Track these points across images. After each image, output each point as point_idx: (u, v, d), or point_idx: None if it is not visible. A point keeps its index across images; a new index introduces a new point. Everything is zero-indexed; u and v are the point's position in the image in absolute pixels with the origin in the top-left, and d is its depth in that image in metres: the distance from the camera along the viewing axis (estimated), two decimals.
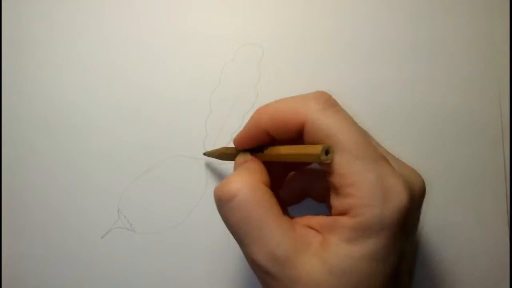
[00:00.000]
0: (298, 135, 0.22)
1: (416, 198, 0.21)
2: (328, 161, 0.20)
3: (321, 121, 0.20)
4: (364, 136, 0.21)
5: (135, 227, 0.30)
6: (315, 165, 0.27)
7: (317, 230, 0.21)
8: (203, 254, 0.30)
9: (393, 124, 0.32)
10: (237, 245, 0.30)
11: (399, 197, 0.19)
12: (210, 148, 0.31)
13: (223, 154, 0.28)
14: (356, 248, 0.19)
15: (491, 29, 0.32)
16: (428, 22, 0.32)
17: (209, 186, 0.31)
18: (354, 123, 0.21)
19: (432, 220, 0.31)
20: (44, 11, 0.32)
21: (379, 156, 0.20)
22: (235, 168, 0.25)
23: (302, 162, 0.21)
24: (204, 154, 0.30)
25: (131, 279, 0.30)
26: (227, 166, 0.31)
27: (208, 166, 0.31)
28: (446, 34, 0.32)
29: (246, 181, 0.22)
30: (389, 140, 0.31)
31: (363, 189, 0.19)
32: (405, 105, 0.32)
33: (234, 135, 0.31)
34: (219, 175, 0.31)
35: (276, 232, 0.20)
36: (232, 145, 0.31)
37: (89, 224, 0.30)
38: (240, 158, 0.25)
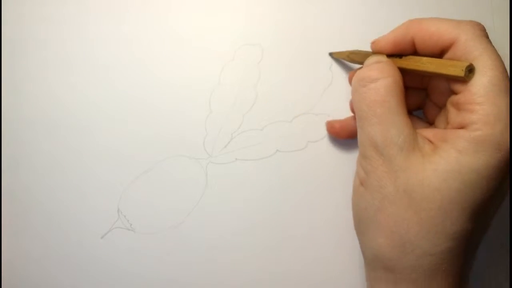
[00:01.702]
0: (441, 53, 0.23)
1: None
2: (468, 79, 0.21)
3: (474, 42, 0.22)
4: (505, 69, 0.21)
5: (135, 227, 0.30)
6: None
7: (430, 141, 0.22)
8: (203, 254, 0.30)
9: None
10: (236, 245, 0.30)
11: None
12: (210, 148, 0.31)
13: (354, 55, 0.28)
14: (466, 159, 0.20)
15: (491, 29, 0.32)
16: None
17: (209, 186, 0.31)
18: (500, 56, 0.22)
19: None
20: (44, 11, 0.32)
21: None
22: (367, 65, 0.26)
23: (440, 74, 0.23)
24: (330, 54, 0.31)
25: (131, 279, 0.30)
26: (227, 166, 0.31)
27: (209, 166, 0.31)
28: None
29: (388, 71, 0.23)
30: None
31: (490, 109, 0.20)
32: None
33: (234, 135, 0.31)
34: (219, 175, 0.31)
35: (403, 123, 0.22)
36: (232, 145, 0.31)
37: (89, 224, 0.30)
38: (374, 57, 0.26)
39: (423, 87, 0.27)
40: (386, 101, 0.22)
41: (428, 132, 0.23)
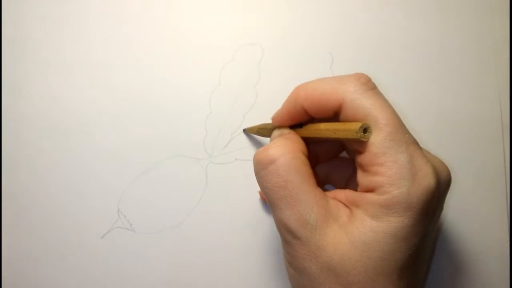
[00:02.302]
0: (335, 114, 0.23)
1: (442, 185, 0.22)
2: (365, 139, 0.21)
3: (360, 101, 0.21)
4: (400, 120, 0.21)
5: (135, 227, 0.30)
6: (343, 154, 0.28)
7: (344, 204, 0.22)
8: (203, 254, 0.30)
9: None
10: (236, 244, 0.30)
11: (427, 180, 0.20)
12: (210, 148, 0.31)
13: (263, 130, 0.28)
14: (380, 224, 0.20)
15: (491, 29, 0.32)
16: (427, 22, 0.32)
17: (209, 186, 0.31)
18: (391, 107, 0.21)
19: None
20: (44, 11, 0.32)
21: (412, 140, 0.21)
22: (271, 139, 0.26)
23: (339, 139, 0.22)
24: (244, 130, 0.30)
25: (131, 279, 0.30)
26: (227, 166, 0.31)
27: (209, 166, 0.31)
28: (446, 34, 0.32)
29: (287, 148, 0.22)
30: None
31: (393, 169, 0.20)
32: (404, 105, 0.32)
33: (234, 135, 0.31)
34: (219, 175, 0.31)
35: (311, 199, 0.21)
36: (232, 145, 0.31)
37: (89, 224, 0.30)
38: (277, 131, 0.26)
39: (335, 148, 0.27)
40: (288, 181, 0.21)
41: (342, 195, 0.23)
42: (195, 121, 0.31)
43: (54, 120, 0.31)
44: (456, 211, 0.31)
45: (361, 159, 0.21)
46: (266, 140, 0.31)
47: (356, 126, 0.20)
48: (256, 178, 0.23)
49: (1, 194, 0.30)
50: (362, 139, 0.20)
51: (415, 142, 0.21)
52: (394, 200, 0.20)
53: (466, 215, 0.31)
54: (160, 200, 0.31)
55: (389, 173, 0.20)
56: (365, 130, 0.20)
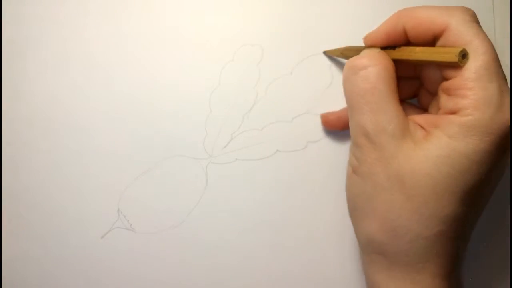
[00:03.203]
0: (433, 39, 0.23)
1: None
2: (462, 64, 0.21)
3: (464, 28, 0.22)
4: (497, 54, 0.22)
5: (135, 227, 0.30)
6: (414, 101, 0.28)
7: (421, 126, 0.22)
8: (203, 254, 0.30)
9: None
10: (236, 245, 0.30)
11: (507, 116, 0.20)
12: (210, 148, 0.31)
13: (348, 51, 0.28)
14: (457, 144, 0.20)
15: (491, 29, 0.32)
16: None
17: (209, 186, 0.31)
18: (491, 41, 0.22)
19: None
20: (44, 11, 0.32)
21: (504, 76, 0.21)
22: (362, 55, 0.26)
23: (434, 62, 0.23)
24: (325, 52, 0.31)
25: (131, 279, 0.30)
26: (227, 166, 0.31)
27: (209, 166, 0.31)
28: None
29: (379, 59, 0.23)
30: None
31: (481, 94, 0.20)
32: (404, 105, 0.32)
33: (234, 135, 0.31)
34: (219, 175, 0.31)
35: (393, 111, 0.22)
36: (232, 145, 0.31)
37: (89, 224, 0.30)
38: (367, 50, 0.26)
39: (416, 77, 0.27)
40: (376, 88, 0.22)
41: (420, 118, 0.23)
42: (195, 121, 0.31)
43: (54, 120, 0.31)
44: None
45: (449, 84, 0.22)
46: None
47: (456, 49, 0.21)
48: (344, 83, 0.24)
49: (1, 194, 0.30)
50: (460, 63, 0.21)
51: (506, 78, 0.21)
52: (476, 123, 0.20)
53: None
54: (160, 200, 0.31)
55: (476, 97, 0.20)
56: (464, 55, 0.21)
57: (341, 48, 0.30)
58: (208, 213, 0.30)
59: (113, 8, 0.32)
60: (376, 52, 0.25)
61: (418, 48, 0.24)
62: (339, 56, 0.30)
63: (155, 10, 0.32)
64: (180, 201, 0.31)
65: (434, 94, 0.26)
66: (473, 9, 0.31)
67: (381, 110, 0.22)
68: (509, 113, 0.21)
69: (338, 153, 0.31)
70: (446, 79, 0.22)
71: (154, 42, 0.32)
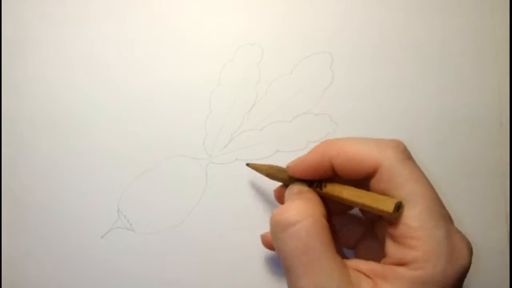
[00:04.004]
0: (365, 177, 0.22)
1: (469, 267, 0.21)
2: (396, 216, 0.20)
3: (398, 170, 0.20)
4: (436, 193, 0.21)
5: (135, 227, 0.30)
6: (355, 211, 0.27)
7: (367, 276, 0.21)
8: (203, 254, 0.30)
9: (393, 124, 0.32)
10: (236, 244, 0.30)
11: (463, 259, 0.19)
12: (210, 148, 0.31)
13: (272, 175, 0.26)
14: None
15: (491, 29, 0.32)
16: (427, 22, 0.32)
17: (209, 186, 0.31)
18: (427, 179, 0.21)
19: None
20: (44, 11, 0.32)
21: (448, 215, 0.20)
22: (288, 196, 0.25)
23: (366, 207, 0.21)
24: (248, 165, 0.28)
25: (131, 279, 0.30)
26: (227, 166, 0.31)
27: (209, 166, 0.31)
28: (446, 34, 0.32)
29: (308, 211, 0.21)
30: None
31: (430, 244, 0.19)
32: (404, 105, 0.32)
33: (234, 135, 0.31)
34: (219, 175, 0.31)
35: (331, 268, 0.20)
36: (232, 145, 0.31)
37: (89, 224, 0.30)
38: (295, 188, 0.24)
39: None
40: (310, 246, 0.20)
41: (366, 266, 0.21)
42: (195, 121, 0.31)
43: (54, 120, 0.31)
44: (456, 211, 0.31)
45: (394, 230, 0.20)
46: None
47: (389, 205, 0.20)
48: (273, 240, 0.22)
49: (1, 194, 0.30)
50: (394, 215, 0.20)
51: (451, 218, 0.20)
52: (429, 278, 0.19)
53: (466, 215, 0.31)
54: (160, 200, 0.31)
55: (425, 248, 0.19)
56: (398, 207, 0.20)
57: (265, 166, 0.27)
58: (208, 213, 0.30)
59: (113, 8, 0.32)
60: (304, 201, 0.22)
61: (346, 193, 0.22)
62: (262, 174, 0.27)
63: (155, 10, 0.32)
64: (180, 201, 0.31)
65: (379, 235, 0.24)
66: (473, 9, 0.31)
67: (318, 271, 0.20)
68: (463, 258, 0.19)
69: None
70: (389, 224, 0.21)
71: (155, 42, 0.32)
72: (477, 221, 0.31)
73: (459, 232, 0.20)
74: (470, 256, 0.20)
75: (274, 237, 0.22)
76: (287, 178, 0.25)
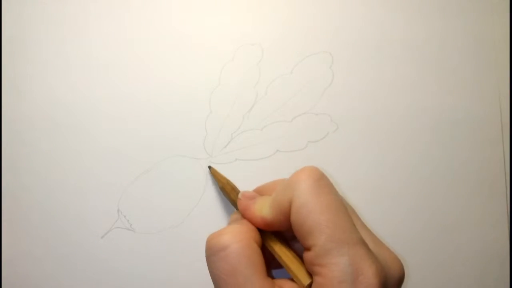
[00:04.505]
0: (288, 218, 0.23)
1: (390, 284, 0.21)
2: None
3: (307, 200, 0.21)
4: (346, 220, 0.21)
5: (135, 227, 0.30)
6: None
7: None
8: (203, 254, 0.30)
9: (392, 124, 0.32)
10: None
11: (369, 282, 0.20)
12: (210, 148, 0.31)
13: (226, 185, 0.28)
14: None
15: (491, 29, 0.32)
16: (427, 22, 0.32)
17: (209, 186, 0.31)
18: (340, 206, 0.22)
19: (432, 220, 0.31)
20: (44, 11, 0.32)
21: (356, 241, 0.21)
22: (230, 222, 0.26)
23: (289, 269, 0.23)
24: (210, 167, 0.30)
25: (131, 279, 0.30)
26: (227, 166, 0.31)
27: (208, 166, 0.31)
28: (446, 34, 0.32)
29: (240, 235, 0.22)
30: (388, 140, 0.31)
31: (334, 271, 0.20)
32: (404, 105, 0.32)
33: (234, 135, 0.31)
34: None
35: None
36: (232, 145, 0.31)
37: (89, 224, 0.30)
38: (235, 215, 0.26)
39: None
40: (237, 269, 0.21)
41: (288, 286, 0.22)
42: (195, 121, 0.31)
43: (54, 120, 0.31)
44: (456, 211, 0.31)
45: (306, 256, 0.21)
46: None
47: (305, 279, 0.21)
48: (207, 263, 0.23)
49: (1, 194, 0.30)
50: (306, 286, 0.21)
51: (360, 242, 0.21)
52: None
53: (466, 215, 0.31)
54: (160, 200, 0.31)
55: (330, 275, 0.20)
56: (310, 285, 0.21)
57: (223, 179, 0.29)
58: (208, 213, 0.30)
59: (113, 8, 0.32)
60: (239, 226, 0.24)
61: (278, 249, 0.24)
62: (218, 184, 0.29)
63: (155, 10, 0.32)
64: (180, 201, 0.31)
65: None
66: (473, 9, 0.31)
67: None
68: (367, 283, 0.20)
69: (339, 152, 0.31)
70: (305, 249, 0.22)
71: (154, 42, 0.32)
72: (477, 221, 0.31)
73: (368, 256, 0.21)
74: (380, 279, 0.20)
75: (207, 260, 0.23)
76: (235, 199, 0.27)
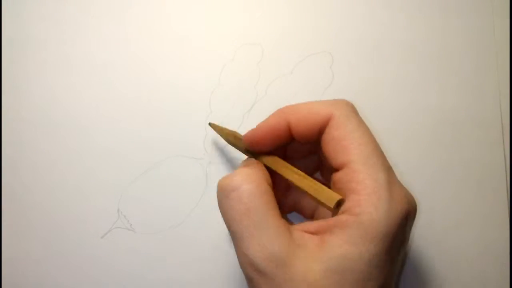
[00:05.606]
0: (319, 133, 0.23)
1: (412, 213, 0.21)
2: (335, 211, 0.21)
3: (348, 119, 0.22)
4: (378, 145, 0.22)
5: (135, 227, 0.30)
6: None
7: (314, 233, 0.21)
8: (203, 254, 0.30)
9: (393, 124, 0.32)
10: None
11: (403, 206, 0.20)
12: (210, 148, 0.31)
13: (230, 136, 0.27)
14: (355, 250, 0.19)
15: (491, 29, 0.32)
16: (428, 22, 0.32)
17: (209, 186, 0.31)
18: (372, 135, 0.22)
19: (432, 220, 0.31)
20: (44, 11, 0.32)
21: (389, 166, 0.21)
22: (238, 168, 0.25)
23: (309, 195, 0.22)
24: (210, 124, 0.29)
25: (131, 279, 0.30)
26: (228, 166, 0.31)
27: (209, 166, 0.31)
28: (446, 34, 0.32)
29: (251, 176, 0.22)
30: (388, 140, 0.31)
31: (372, 187, 0.20)
32: (404, 105, 0.32)
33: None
34: (219, 175, 0.31)
35: (274, 229, 0.20)
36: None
37: (89, 224, 0.30)
38: (246, 161, 0.25)
39: (315, 152, 0.27)
40: (251, 208, 0.21)
41: (312, 226, 0.21)
42: (195, 121, 0.31)
43: (54, 120, 0.31)
44: (456, 211, 0.31)
45: (339, 176, 0.21)
46: None
47: (331, 201, 0.21)
48: (219, 207, 0.22)
49: (1, 194, 0.31)
50: (334, 210, 0.21)
51: (392, 169, 0.21)
52: (371, 225, 0.19)
53: (466, 215, 0.31)
54: (160, 200, 0.31)
55: (368, 191, 0.20)
56: (339, 203, 0.21)
57: (225, 130, 0.28)
58: (208, 213, 0.30)
59: (114, 8, 0.32)
60: (249, 169, 0.23)
61: (296, 179, 0.23)
62: (222, 137, 0.28)
63: (155, 10, 0.32)
64: (180, 201, 0.31)
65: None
66: (473, 10, 0.31)
67: (261, 232, 0.20)
68: (404, 202, 0.20)
69: None
70: (337, 169, 0.22)
71: (155, 42, 0.32)
72: (477, 221, 0.31)
73: (400, 183, 0.21)
74: (411, 205, 0.20)
75: (219, 203, 0.22)
76: (242, 147, 0.26)
